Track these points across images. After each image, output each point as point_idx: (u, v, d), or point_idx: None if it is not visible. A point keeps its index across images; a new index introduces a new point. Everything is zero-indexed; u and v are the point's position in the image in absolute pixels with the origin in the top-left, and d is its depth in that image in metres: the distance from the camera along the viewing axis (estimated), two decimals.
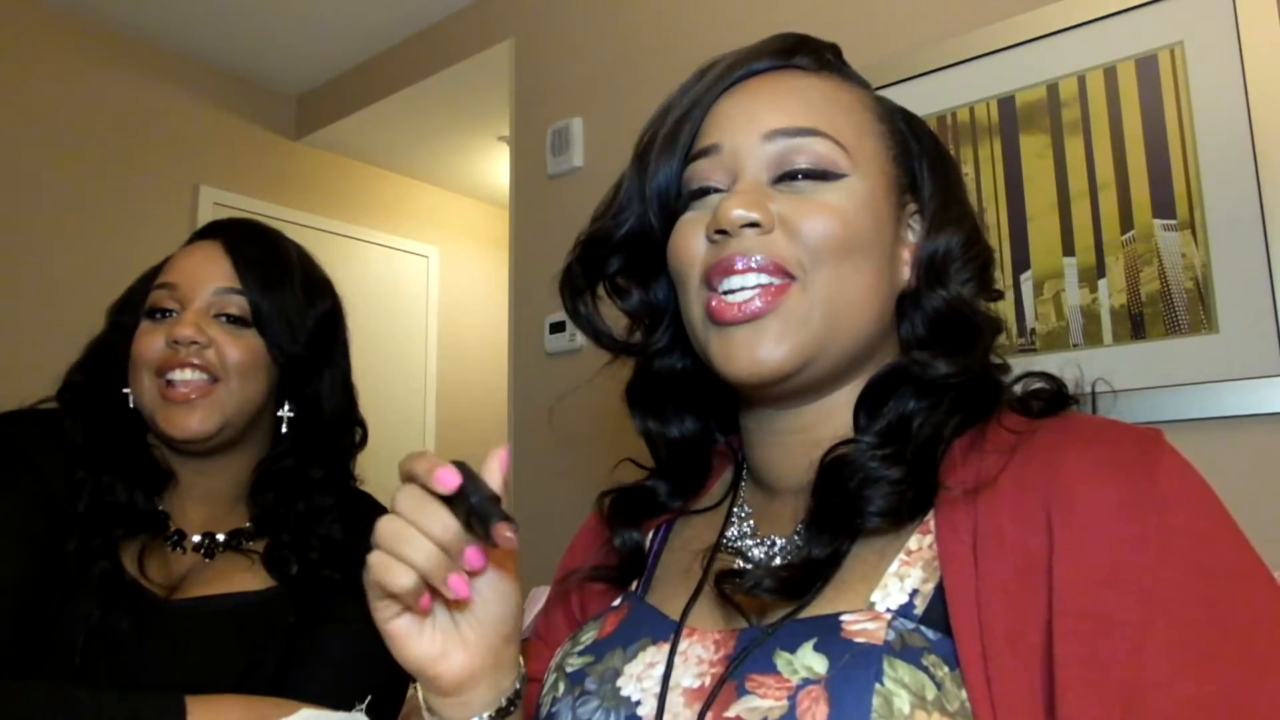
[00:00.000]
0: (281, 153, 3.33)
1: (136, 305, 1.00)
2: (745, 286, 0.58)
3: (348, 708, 0.86)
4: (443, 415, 3.77)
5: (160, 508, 0.96)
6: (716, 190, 0.62)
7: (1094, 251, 1.43)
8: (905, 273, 0.64)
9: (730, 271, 0.58)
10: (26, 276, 2.59)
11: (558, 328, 2.24)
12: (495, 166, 3.64)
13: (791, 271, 0.58)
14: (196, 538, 0.97)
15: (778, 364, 0.58)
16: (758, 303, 0.57)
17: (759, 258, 0.58)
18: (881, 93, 1.79)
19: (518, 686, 0.59)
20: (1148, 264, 1.38)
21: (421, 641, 0.55)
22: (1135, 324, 1.38)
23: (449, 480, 0.50)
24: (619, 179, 0.68)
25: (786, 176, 0.60)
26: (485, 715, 0.57)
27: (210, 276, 0.97)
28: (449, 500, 0.51)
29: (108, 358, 0.99)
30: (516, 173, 2.47)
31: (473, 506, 0.51)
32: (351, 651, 0.93)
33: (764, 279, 0.58)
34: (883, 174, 0.62)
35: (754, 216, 0.58)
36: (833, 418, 0.63)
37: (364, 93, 3.12)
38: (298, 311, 1.01)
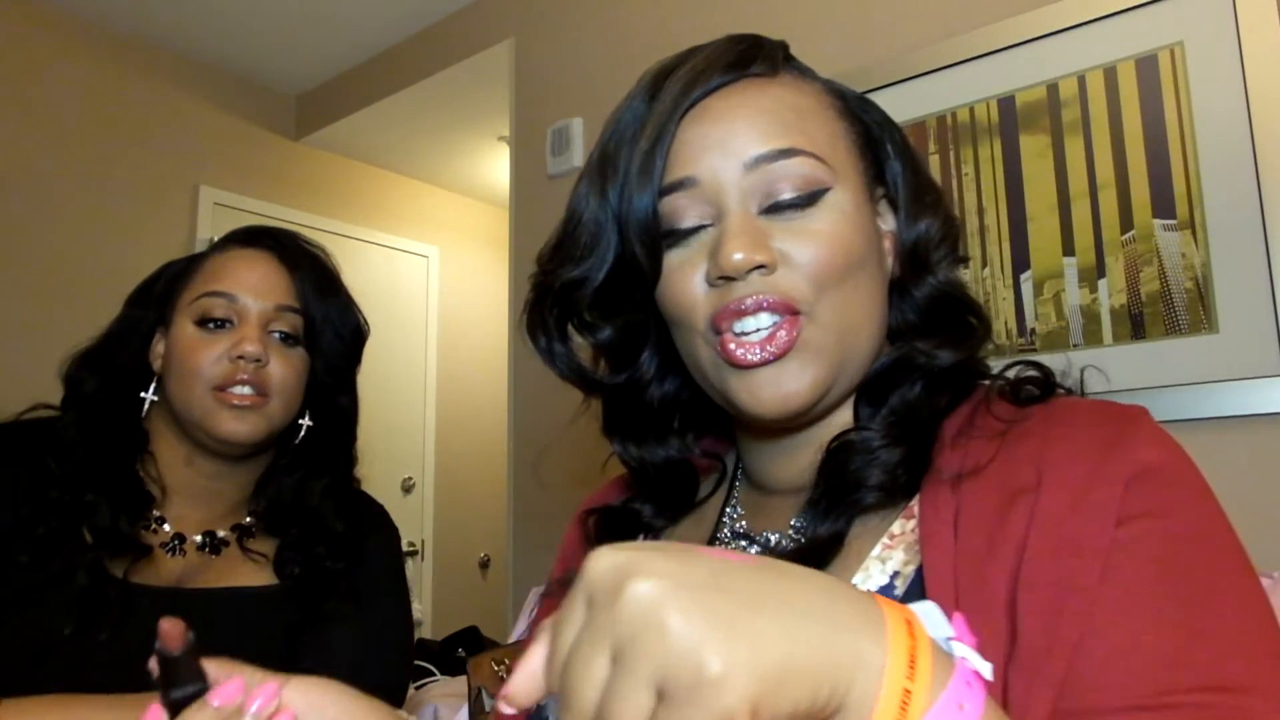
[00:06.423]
0: (281, 153, 3.33)
1: (158, 302, 0.99)
2: (760, 327, 0.57)
3: None
4: (443, 415, 3.77)
5: (157, 513, 0.96)
6: (701, 226, 0.60)
7: (1094, 251, 1.43)
8: (889, 263, 0.64)
9: (741, 314, 0.57)
10: (27, 276, 2.59)
11: None
12: (495, 166, 3.64)
13: (798, 308, 0.57)
14: (198, 537, 0.97)
15: (804, 399, 0.58)
16: (777, 345, 0.57)
17: (766, 297, 0.57)
18: (882, 93, 1.79)
19: None
20: (1148, 264, 1.38)
21: None
22: (1135, 324, 1.38)
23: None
24: (572, 212, 0.65)
25: (774, 207, 0.59)
26: None
27: (270, 291, 0.98)
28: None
29: (119, 357, 0.98)
30: (516, 173, 2.47)
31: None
32: (353, 653, 0.93)
33: (776, 316, 0.57)
34: (857, 174, 0.62)
35: (758, 259, 0.56)
36: (836, 418, 0.63)
37: (364, 93, 3.12)
38: (341, 329, 1.03)
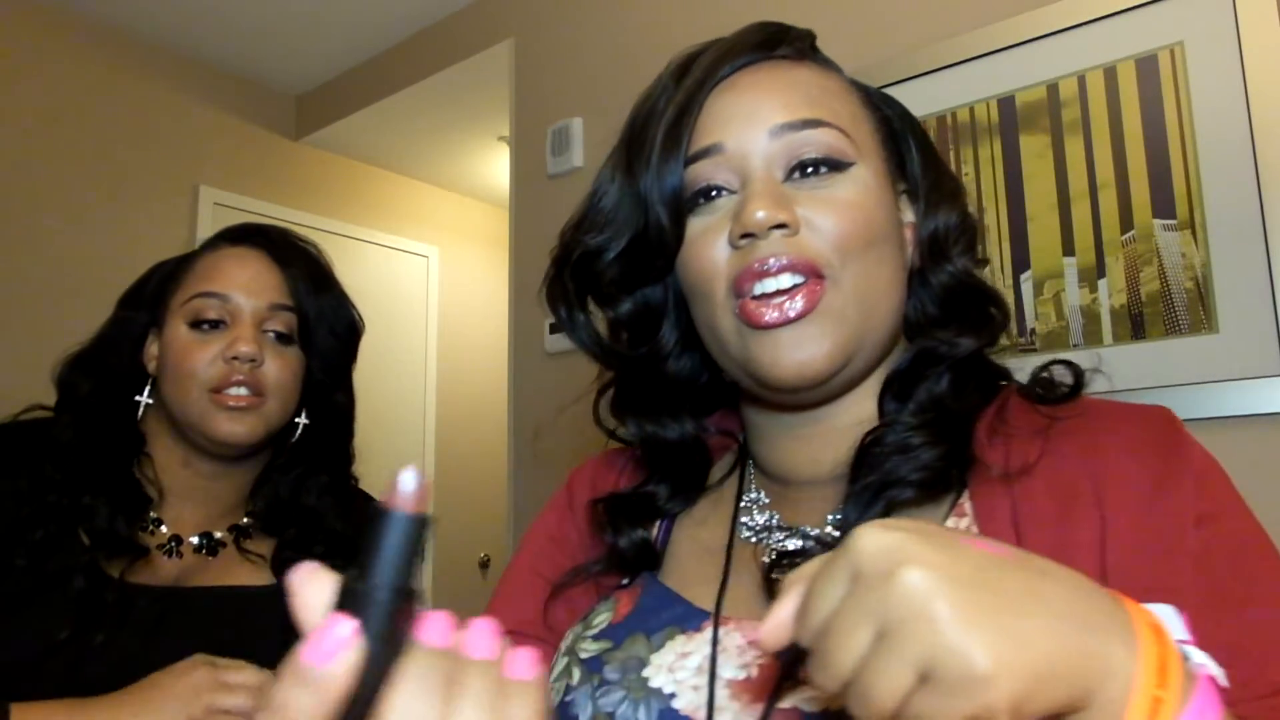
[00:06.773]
0: (281, 153, 3.33)
1: (150, 304, 0.99)
2: (781, 289, 0.57)
3: None
4: (443, 415, 3.77)
5: (154, 515, 0.96)
6: (724, 191, 0.60)
7: (1094, 251, 1.43)
8: (909, 252, 0.65)
9: (763, 275, 0.57)
10: (26, 276, 2.59)
11: (558, 327, 2.23)
12: (495, 166, 3.63)
13: (821, 271, 0.57)
14: (195, 539, 0.97)
15: (824, 364, 0.57)
16: (798, 304, 0.56)
17: (789, 257, 0.57)
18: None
19: None
20: (1148, 264, 1.38)
21: None
22: (1135, 324, 1.38)
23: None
24: (596, 187, 0.66)
25: (798, 169, 0.59)
26: None
27: (263, 290, 0.97)
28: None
29: (112, 359, 0.98)
30: (516, 173, 2.47)
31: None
32: None
33: (797, 278, 0.57)
34: (879, 160, 0.63)
35: (781, 218, 0.56)
36: (854, 408, 0.63)
37: (364, 93, 3.12)
38: (335, 325, 1.03)
